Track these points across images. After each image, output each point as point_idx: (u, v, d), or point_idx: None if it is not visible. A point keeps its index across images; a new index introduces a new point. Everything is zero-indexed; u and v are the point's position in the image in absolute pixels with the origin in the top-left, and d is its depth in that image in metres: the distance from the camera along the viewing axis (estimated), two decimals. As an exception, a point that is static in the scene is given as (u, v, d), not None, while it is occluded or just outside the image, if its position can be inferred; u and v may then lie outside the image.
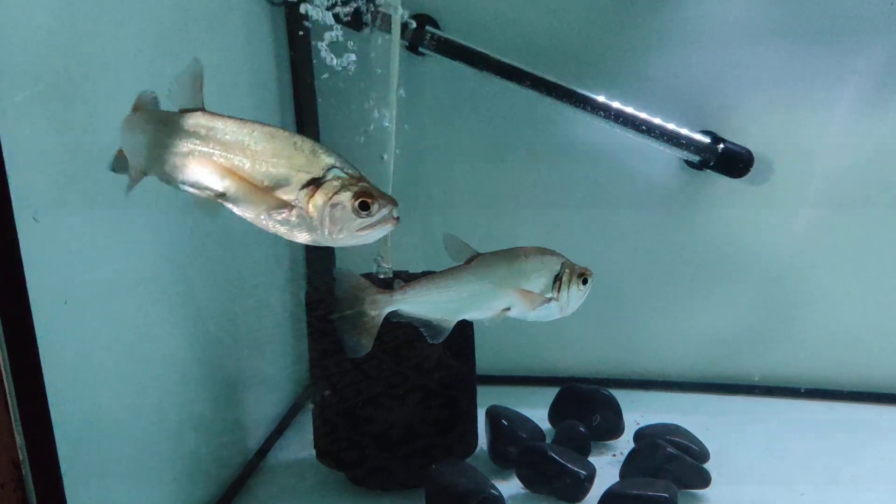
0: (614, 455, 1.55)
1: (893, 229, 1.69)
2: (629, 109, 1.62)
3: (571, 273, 1.12)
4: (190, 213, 1.29)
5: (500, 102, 1.73)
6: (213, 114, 0.90)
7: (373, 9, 1.52)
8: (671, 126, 1.63)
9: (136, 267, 1.16)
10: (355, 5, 1.50)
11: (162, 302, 1.24)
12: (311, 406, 1.46)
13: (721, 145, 1.65)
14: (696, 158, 1.68)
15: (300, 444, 1.61)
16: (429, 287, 1.08)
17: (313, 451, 1.45)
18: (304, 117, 1.75)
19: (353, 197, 0.86)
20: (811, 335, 1.77)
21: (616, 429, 1.60)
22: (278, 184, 0.87)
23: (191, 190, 0.90)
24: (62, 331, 0.95)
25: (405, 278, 1.11)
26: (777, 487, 1.42)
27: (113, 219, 1.08)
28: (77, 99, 1.00)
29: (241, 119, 0.89)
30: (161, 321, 1.24)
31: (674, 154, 1.69)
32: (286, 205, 0.87)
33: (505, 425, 1.50)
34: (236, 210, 0.89)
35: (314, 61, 1.70)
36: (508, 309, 1.11)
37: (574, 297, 1.13)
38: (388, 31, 1.49)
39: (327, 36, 1.45)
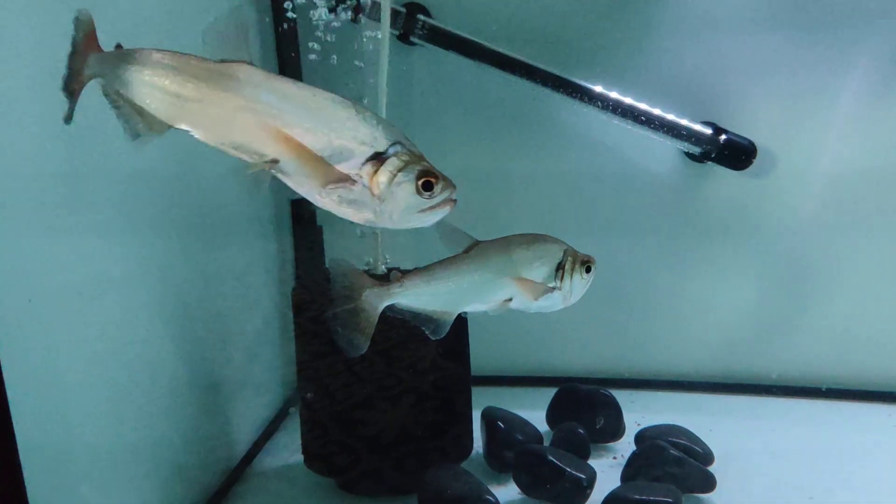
0: (615, 458, 1.52)
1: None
2: (627, 99, 1.58)
3: (574, 260, 1.07)
4: (176, 210, 1.27)
5: (492, 92, 1.70)
6: (261, 69, 0.81)
7: None
8: (671, 116, 1.60)
9: (121, 269, 1.12)
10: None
11: (149, 304, 1.20)
12: (299, 409, 1.42)
13: (723, 136, 1.62)
14: (697, 150, 1.64)
15: (289, 449, 1.57)
16: (427, 278, 1.03)
17: (301, 457, 1.41)
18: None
19: (417, 176, 0.82)
20: (818, 333, 1.74)
21: (616, 430, 1.56)
22: (340, 156, 0.80)
23: (234, 153, 0.81)
24: (27, 332, 0.91)
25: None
26: (785, 491, 1.38)
27: (97, 219, 1.04)
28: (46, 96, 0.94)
29: (294, 80, 0.81)
30: (147, 323, 1.20)
31: (674, 146, 1.66)
32: (347, 179, 0.81)
33: (501, 428, 1.47)
34: (289, 182, 0.82)
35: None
36: (510, 300, 1.06)
37: (577, 285, 1.08)
38: (378, 19, 1.45)
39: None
